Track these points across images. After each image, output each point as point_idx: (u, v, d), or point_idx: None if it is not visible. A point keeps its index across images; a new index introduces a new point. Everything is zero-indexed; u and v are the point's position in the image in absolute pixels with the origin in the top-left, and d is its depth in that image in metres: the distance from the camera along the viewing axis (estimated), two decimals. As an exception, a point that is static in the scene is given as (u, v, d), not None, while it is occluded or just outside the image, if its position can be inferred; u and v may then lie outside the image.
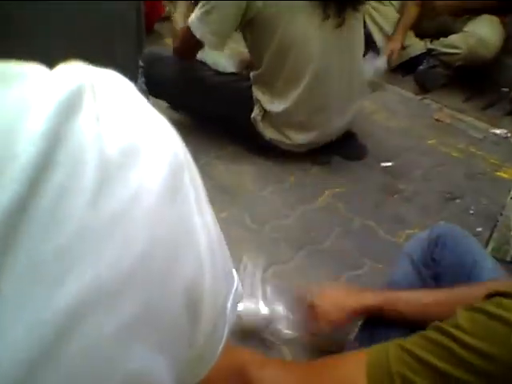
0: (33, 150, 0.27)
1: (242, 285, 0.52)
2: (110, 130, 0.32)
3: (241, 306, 1.33)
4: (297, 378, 0.71)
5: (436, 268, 1.16)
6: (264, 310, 1.42)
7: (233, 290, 0.48)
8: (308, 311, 1.23)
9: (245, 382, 0.70)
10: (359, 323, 1.23)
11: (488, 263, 1.13)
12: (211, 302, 0.40)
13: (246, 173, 2.27)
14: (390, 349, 0.65)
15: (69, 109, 0.30)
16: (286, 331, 1.40)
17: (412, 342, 0.65)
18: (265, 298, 1.45)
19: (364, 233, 2.02)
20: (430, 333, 0.65)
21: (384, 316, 1.09)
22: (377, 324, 1.13)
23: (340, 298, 1.17)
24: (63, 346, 0.27)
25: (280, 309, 1.44)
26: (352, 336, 1.24)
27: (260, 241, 1.92)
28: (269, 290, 1.47)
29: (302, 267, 1.83)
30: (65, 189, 0.28)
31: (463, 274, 1.12)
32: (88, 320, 0.29)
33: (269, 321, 1.44)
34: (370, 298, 1.10)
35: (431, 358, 0.62)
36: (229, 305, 0.46)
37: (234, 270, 0.50)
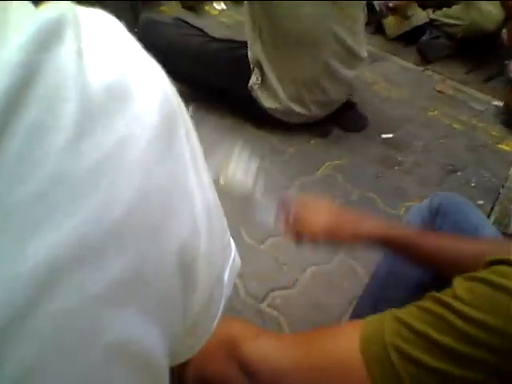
0: (5, 82, 0.24)
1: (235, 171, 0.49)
2: (95, 66, 0.28)
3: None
4: (289, 350, 0.68)
5: (437, 237, 1.12)
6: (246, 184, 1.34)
7: (230, 261, 0.45)
8: (299, 216, 1.12)
9: (235, 354, 0.68)
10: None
11: (489, 231, 1.10)
12: (207, 269, 0.37)
13: (244, 144, 2.22)
14: (386, 320, 0.62)
15: (48, 38, 0.26)
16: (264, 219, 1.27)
17: (408, 312, 0.61)
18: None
19: (363, 205, 1.99)
20: (428, 303, 0.61)
21: (389, 248, 1.03)
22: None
23: (347, 215, 1.09)
24: (40, 306, 0.24)
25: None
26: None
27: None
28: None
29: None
30: (40, 127, 0.25)
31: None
32: (70, 277, 0.25)
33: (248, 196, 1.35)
34: (386, 227, 1.02)
35: (430, 330, 0.58)
36: (226, 276, 0.44)
37: (231, 241, 0.48)
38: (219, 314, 0.44)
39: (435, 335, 0.57)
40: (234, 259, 0.46)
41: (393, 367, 0.57)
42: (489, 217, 1.92)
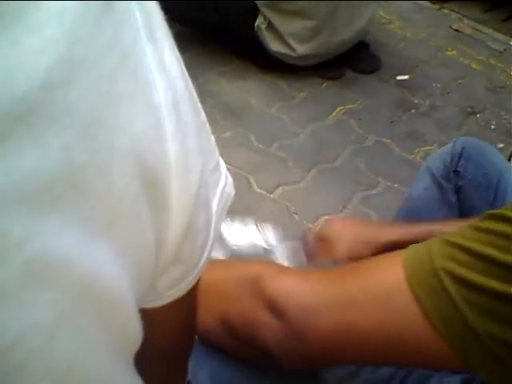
0: None
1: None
2: None
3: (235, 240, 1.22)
4: (321, 285, 0.61)
5: (458, 181, 1.07)
6: (261, 241, 1.31)
7: (219, 188, 0.40)
8: (316, 243, 1.12)
9: (259, 292, 0.61)
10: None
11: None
12: (181, 183, 0.31)
13: (252, 90, 2.14)
14: (433, 246, 0.54)
15: None
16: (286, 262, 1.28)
17: (461, 235, 0.54)
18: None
19: (378, 151, 1.92)
20: (482, 223, 0.54)
21: None
22: None
23: (363, 230, 1.04)
24: None
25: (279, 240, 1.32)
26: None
27: (267, 161, 1.83)
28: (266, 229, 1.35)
29: (312, 188, 1.75)
30: None
31: (488, 188, 1.04)
32: None
33: (268, 252, 1.33)
34: (403, 231, 0.98)
35: (489, 249, 0.50)
36: (214, 204, 0.39)
37: (222, 167, 0.42)
38: (209, 243, 0.39)
39: (497, 254, 0.49)
40: (224, 188, 0.41)
41: (447, 294, 0.50)
42: (509, 160, 1.84)
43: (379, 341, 0.55)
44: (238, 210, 1.81)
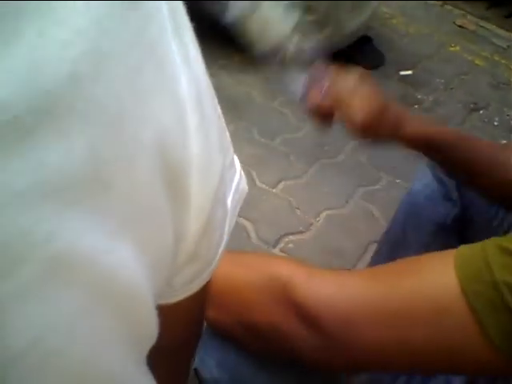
0: None
1: None
2: None
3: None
4: (359, 289, 0.55)
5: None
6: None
7: (233, 185, 0.40)
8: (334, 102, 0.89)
9: (288, 299, 0.56)
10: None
11: None
12: (202, 179, 0.31)
13: (254, 84, 2.12)
14: (490, 253, 0.50)
15: None
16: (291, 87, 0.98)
17: None
18: None
19: (381, 148, 1.89)
20: None
21: (428, 152, 0.91)
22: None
23: (392, 109, 0.89)
24: None
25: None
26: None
27: (269, 156, 1.82)
28: None
29: (314, 182, 1.73)
30: None
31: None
32: None
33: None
34: (433, 130, 0.90)
35: None
36: (229, 200, 0.39)
37: (236, 163, 0.41)
38: (224, 241, 0.39)
39: None
40: (238, 184, 0.40)
41: (509, 311, 0.47)
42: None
43: (431, 353, 0.52)
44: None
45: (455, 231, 1.08)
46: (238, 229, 1.55)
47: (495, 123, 2.08)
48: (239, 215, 1.43)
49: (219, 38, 2.24)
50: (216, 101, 0.36)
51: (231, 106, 1.97)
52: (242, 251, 1.26)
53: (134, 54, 0.25)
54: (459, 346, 0.50)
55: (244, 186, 0.42)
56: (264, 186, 1.72)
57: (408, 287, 0.53)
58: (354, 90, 0.87)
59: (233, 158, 0.40)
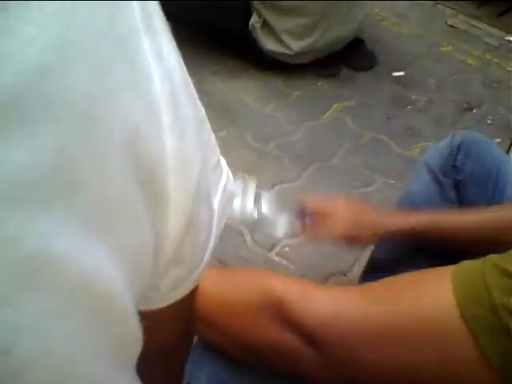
0: None
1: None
2: None
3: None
4: (356, 311, 0.54)
5: (457, 176, 1.06)
6: (254, 212, 1.26)
7: (220, 187, 0.39)
8: (315, 217, 1.06)
9: (287, 320, 0.56)
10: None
11: (511, 169, 1.03)
12: (180, 179, 0.30)
13: (247, 88, 2.12)
14: (487, 273, 0.49)
15: None
16: (280, 232, 1.24)
17: None
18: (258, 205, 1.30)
19: (375, 147, 1.91)
20: None
21: (422, 240, 0.98)
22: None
23: (366, 213, 1.04)
24: None
25: (273, 214, 1.28)
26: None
27: (263, 160, 1.81)
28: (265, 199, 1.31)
29: (309, 186, 1.73)
30: None
31: (487, 181, 1.03)
32: None
33: (260, 221, 1.28)
34: (412, 219, 0.98)
35: None
36: (216, 202, 0.38)
37: (223, 164, 0.41)
38: (211, 241, 0.38)
39: None
40: (225, 185, 0.40)
41: (509, 334, 0.46)
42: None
43: (429, 374, 0.52)
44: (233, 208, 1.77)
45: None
46: (233, 233, 1.55)
47: (488, 122, 2.08)
48: (235, 219, 1.42)
49: (211, 43, 2.24)
50: (198, 101, 0.35)
51: (224, 112, 1.97)
52: (232, 267, 1.28)
53: (103, 51, 0.24)
54: (458, 368, 0.50)
55: (232, 187, 0.41)
56: (258, 190, 1.71)
57: (406, 308, 0.52)
58: (331, 210, 1.04)
59: (219, 159, 0.40)
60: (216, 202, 0.38)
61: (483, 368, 0.47)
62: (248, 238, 1.55)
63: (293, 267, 1.48)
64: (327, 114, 2.05)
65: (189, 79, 0.33)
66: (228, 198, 0.40)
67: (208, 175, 0.36)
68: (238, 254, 1.50)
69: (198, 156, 0.32)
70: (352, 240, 1.02)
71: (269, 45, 2.08)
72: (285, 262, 1.50)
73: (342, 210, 1.02)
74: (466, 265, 0.52)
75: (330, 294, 0.58)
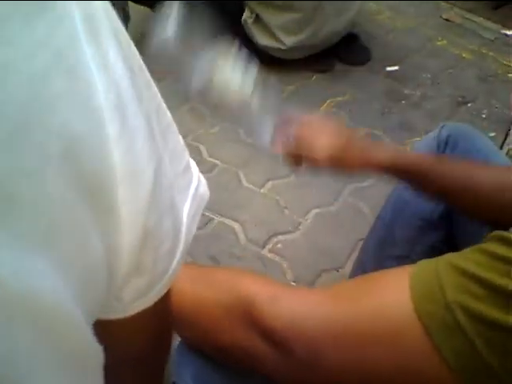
0: None
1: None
2: None
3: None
4: (322, 313, 0.55)
5: (445, 171, 1.04)
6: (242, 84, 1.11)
7: (191, 190, 0.38)
8: (302, 140, 0.95)
9: (254, 321, 0.56)
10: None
11: (500, 162, 1.02)
12: (129, 190, 0.29)
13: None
14: (442, 271, 0.49)
15: None
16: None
17: (473, 261, 0.48)
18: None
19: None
20: (494, 246, 0.48)
21: (400, 177, 0.92)
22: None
23: (356, 139, 0.96)
24: None
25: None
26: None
27: (256, 156, 1.80)
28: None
29: (302, 181, 1.72)
30: None
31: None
32: None
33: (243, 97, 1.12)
34: (402, 157, 0.91)
35: (502, 280, 0.46)
36: (186, 207, 0.37)
37: (193, 167, 0.40)
38: (179, 250, 0.37)
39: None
40: (196, 190, 0.39)
41: (462, 331, 0.46)
42: (501, 149, 1.83)
43: (390, 374, 0.52)
44: (227, 204, 1.79)
45: (442, 227, 1.07)
46: (226, 230, 1.54)
47: (483, 116, 2.07)
48: (227, 216, 1.43)
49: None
50: (163, 106, 0.34)
51: (217, 107, 1.96)
52: (211, 266, 1.24)
53: (39, 62, 0.24)
54: (417, 367, 0.50)
55: (204, 190, 0.40)
56: (251, 186, 1.71)
57: (367, 309, 0.53)
58: (316, 131, 0.94)
59: (188, 163, 0.39)
60: (186, 209, 0.37)
61: (440, 366, 0.47)
62: (241, 236, 1.54)
63: (286, 264, 1.48)
64: (321, 109, 2.04)
65: (151, 85, 0.33)
66: (199, 202, 0.39)
67: (172, 183, 0.35)
68: (230, 251, 1.50)
69: (150, 165, 0.31)
70: (337, 163, 0.93)
71: (262, 40, 2.07)
72: (277, 258, 1.49)
73: (330, 132, 0.95)
74: (423, 263, 0.52)
75: (297, 297, 0.58)
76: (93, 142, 0.26)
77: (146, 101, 0.32)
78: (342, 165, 0.92)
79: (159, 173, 0.32)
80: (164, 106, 0.35)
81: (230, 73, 1.05)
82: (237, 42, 1.14)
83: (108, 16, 0.29)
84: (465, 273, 0.48)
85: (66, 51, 0.25)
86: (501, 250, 0.47)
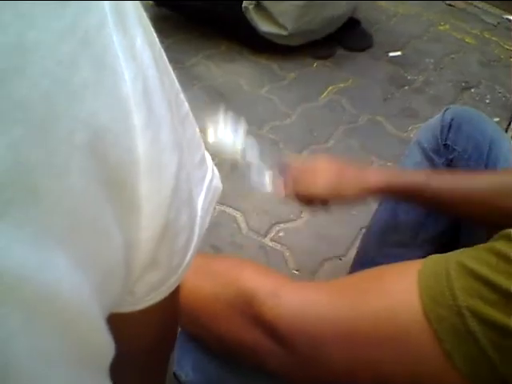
0: None
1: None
2: None
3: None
4: (325, 309, 0.53)
5: (449, 154, 1.04)
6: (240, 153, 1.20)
7: (205, 183, 0.37)
8: (298, 175, 1.01)
9: (256, 317, 0.55)
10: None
11: (505, 144, 1.01)
12: (152, 182, 0.28)
13: (241, 72, 2.09)
14: (453, 273, 0.47)
15: None
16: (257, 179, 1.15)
17: (481, 260, 0.47)
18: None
19: (371, 129, 1.88)
20: (506, 248, 0.46)
21: (399, 198, 0.95)
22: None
23: (349, 169, 0.98)
24: None
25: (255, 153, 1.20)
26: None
27: (258, 143, 1.78)
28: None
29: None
30: None
31: (479, 158, 1.00)
32: None
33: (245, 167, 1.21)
34: (392, 176, 0.93)
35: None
36: (201, 200, 0.36)
37: (208, 160, 0.39)
38: (193, 243, 0.36)
39: None
40: (211, 182, 0.38)
41: (473, 336, 0.44)
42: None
43: (395, 374, 0.51)
44: (228, 194, 1.77)
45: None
46: (228, 219, 1.53)
47: (487, 101, 2.05)
48: (229, 206, 1.42)
49: (205, 27, 2.21)
50: (181, 96, 0.33)
51: (218, 95, 1.94)
52: (212, 255, 1.24)
53: (66, 48, 0.23)
54: (423, 368, 0.49)
55: (218, 183, 0.39)
56: (253, 174, 1.69)
57: (373, 307, 0.51)
58: (309, 172, 0.98)
59: (203, 156, 0.38)
60: (200, 201, 0.36)
61: (448, 369, 0.46)
62: (243, 225, 1.53)
63: (288, 253, 1.47)
64: (323, 95, 2.02)
65: (169, 74, 0.32)
66: (213, 195, 0.38)
67: (189, 175, 0.34)
68: (232, 240, 1.49)
69: (173, 157, 0.30)
70: (336, 196, 0.96)
71: (263, 26, 2.05)
72: (279, 247, 1.48)
73: (322, 170, 0.98)
74: (432, 261, 0.50)
75: (300, 291, 0.57)
76: (119, 133, 0.26)
77: (167, 88, 0.30)
78: (340, 195, 0.96)
79: (181, 166, 0.31)
80: (181, 93, 0.34)
81: (221, 137, 1.14)
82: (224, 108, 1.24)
83: (133, 2, 0.28)
84: (476, 276, 0.46)
85: (94, 38, 0.24)
86: (505, 249, 0.46)
